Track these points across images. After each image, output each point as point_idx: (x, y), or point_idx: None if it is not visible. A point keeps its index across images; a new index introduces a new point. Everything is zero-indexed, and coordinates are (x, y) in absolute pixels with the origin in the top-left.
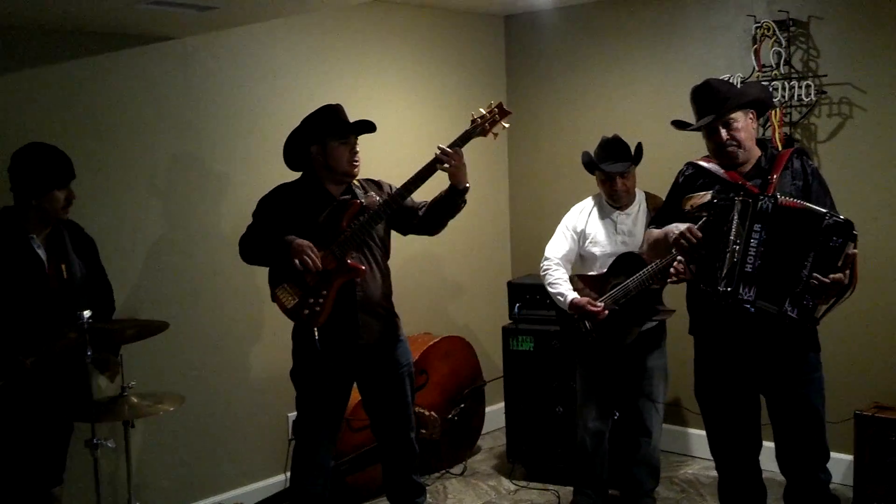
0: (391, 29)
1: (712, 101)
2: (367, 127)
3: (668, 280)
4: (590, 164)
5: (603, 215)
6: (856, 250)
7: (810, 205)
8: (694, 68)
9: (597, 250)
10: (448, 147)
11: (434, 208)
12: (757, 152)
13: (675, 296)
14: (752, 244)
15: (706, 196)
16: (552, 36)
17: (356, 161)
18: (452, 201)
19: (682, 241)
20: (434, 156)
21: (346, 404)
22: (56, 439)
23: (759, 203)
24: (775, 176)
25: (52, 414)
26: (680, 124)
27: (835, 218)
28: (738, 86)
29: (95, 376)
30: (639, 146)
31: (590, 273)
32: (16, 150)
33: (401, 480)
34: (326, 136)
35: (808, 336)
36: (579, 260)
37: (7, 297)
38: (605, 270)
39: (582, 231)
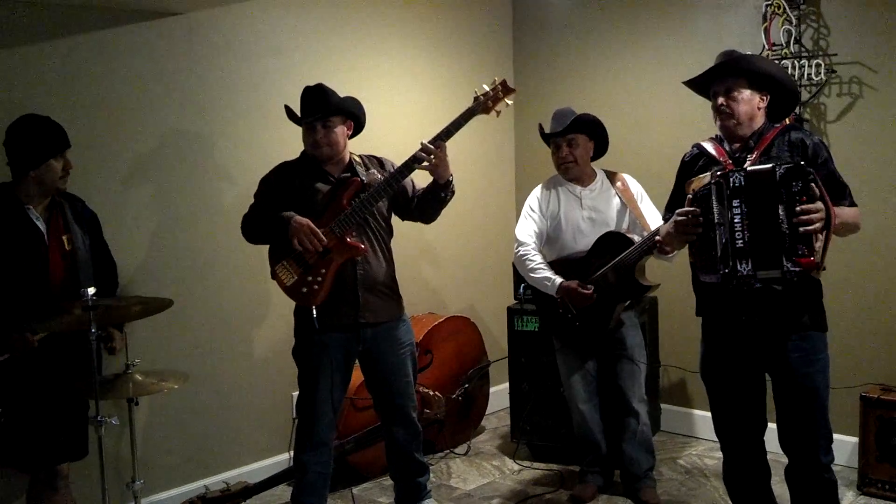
0: (397, 4)
1: (724, 65)
2: (313, 111)
3: (655, 252)
4: (541, 133)
5: (566, 193)
6: (816, 182)
7: (758, 165)
8: (703, 46)
9: (563, 227)
10: (443, 132)
11: (423, 200)
12: (756, 129)
13: (660, 270)
14: (736, 220)
15: (705, 178)
16: (560, 13)
17: (320, 145)
18: (437, 195)
19: (681, 226)
20: (415, 153)
21: (348, 383)
22: (69, 414)
23: (731, 179)
24: (756, 152)
25: (61, 389)
26: (691, 81)
27: (784, 165)
28: (768, 59)
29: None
30: (584, 118)
31: (566, 256)
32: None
33: (404, 459)
34: (298, 121)
35: (814, 315)
36: (546, 241)
37: (8, 269)
38: (587, 252)
39: (547, 210)
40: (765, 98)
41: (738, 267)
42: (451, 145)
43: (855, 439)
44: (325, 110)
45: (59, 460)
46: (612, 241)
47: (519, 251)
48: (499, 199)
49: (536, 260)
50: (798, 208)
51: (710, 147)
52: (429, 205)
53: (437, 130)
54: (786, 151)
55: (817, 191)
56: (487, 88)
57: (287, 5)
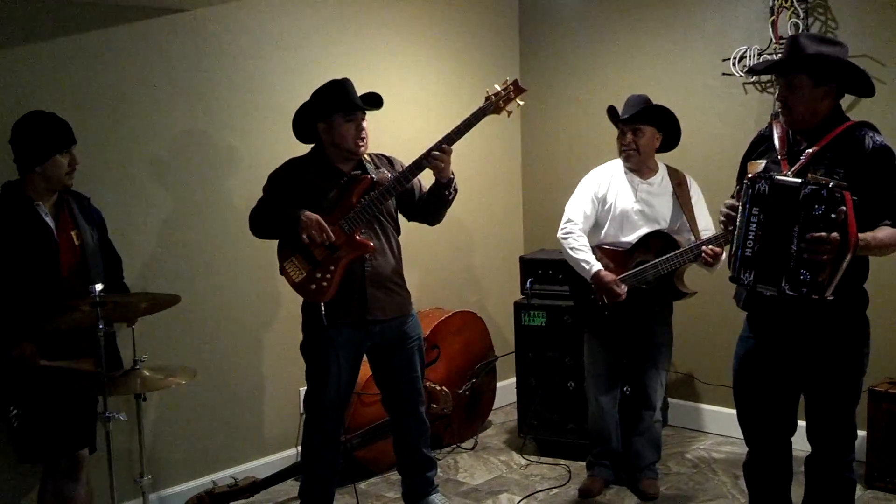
0: (404, 1)
1: (787, 58)
2: (374, 102)
3: (700, 261)
4: (610, 115)
5: (624, 181)
6: (843, 208)
7: (787, 177)
8: (711, 40)
9: (614, 214)
10: (454, 131)
11: (427, 200)
12: (820, 119)
13: (698, 277)
14: (751, 228)
15: (760, 165)
16: (566, 8)
17: (362, 139)
18: (440, 194)
19: (721, 218)
20: (434, 146)
21: (355, 378)
22: (83, 403)
23: (757, 186)
24: (809, 151)
25: (72, 382)
26: (755, 68)
27: (811, 186)
28: (838, 48)
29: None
30: (653, 109)
31: (608, 245)
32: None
33: (412, 454)
34: (333, 113)
35: (855, 322)
36: (594, 223)
37: (19, 266)
38: (631, 246)
39: (603, 196)
40: (831, 89)
41: (742, 275)
42: (459, 141)
43: (863, 433)
44: (379, 104)
45: (79, 446)
46: (659, 240)
47: (565, 228)
48: (505, 194)
49: (580, 240)
50: (809, 236)
51: (776, 132)
52: (433, 205)
53: (444, 127)
54: (840, 155)
55: (840, 218)
56: (499, 88)
57: (294, 3)
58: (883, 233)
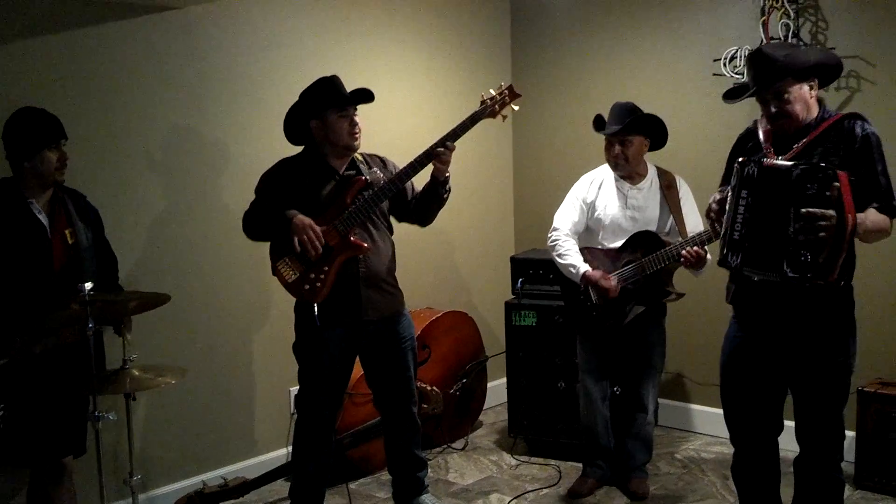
0: (395, 2)
1: (764, 70)
2: (365, 96)
3: (681, 262)
4: (595, 126)
5: (613, 187)
6: (837, 183)
7: (778, 160)
8: (702, 41)
9: (605, 222)
10: (450, 134)
11: (421, 200)
12: (813, 115)
13: (686, 279)
14: (739, 211)
15: None
16: (558, 9)
17: (356, 133)
18: (436, 192)
19: (709, 213)
20: (433, 146)
21: (348, 378)
22: (70, 409)
23: (746, 169)
24: (805, 139)
25: (62, 385)
26: (731, 94)
27: (802, 166)
28: (801, 48)
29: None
30: (641, 117)
31: (600, 247)
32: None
33: (403, 454)
34: (325, 110)
35: (840, 317)
36: (585, 230)
37: (10, 263)
38: (619, 246)
39: (592, 202)
40: (814, 83)
41: (729, 258)
42: None
43: (852, 433)
44: (370, 98)
45: (63, 454)
46: (646, 241)
47: (552, 235)
48: (497, 194)
49: (566, 246)
50: (804, 211)
51: (760, 127)
52: (427, 205)
53: (436, 127)
54: (833, 144)
55: (834, 195)
56: (494, 92)
57: (286, 2)
58: (871, 217)
